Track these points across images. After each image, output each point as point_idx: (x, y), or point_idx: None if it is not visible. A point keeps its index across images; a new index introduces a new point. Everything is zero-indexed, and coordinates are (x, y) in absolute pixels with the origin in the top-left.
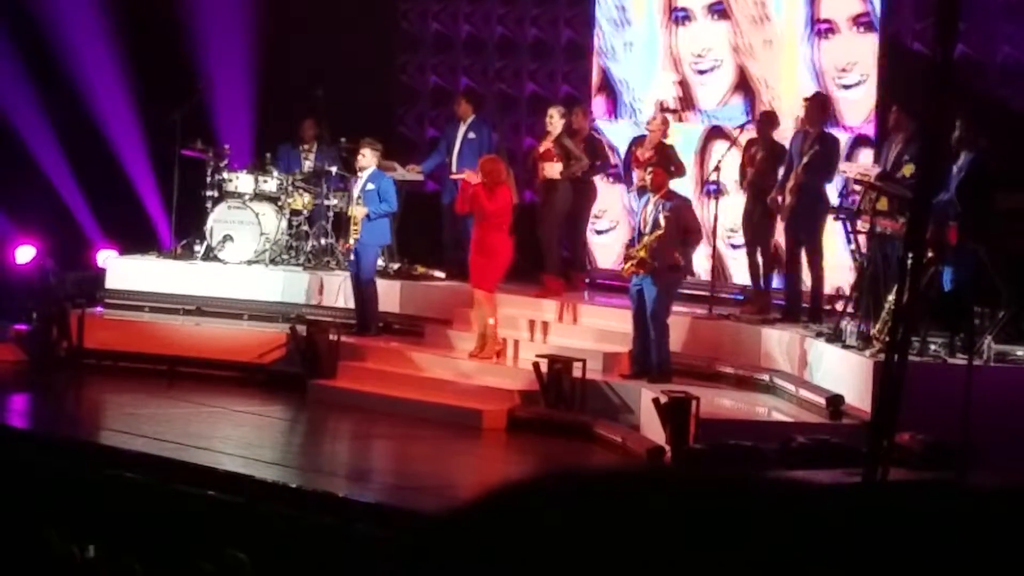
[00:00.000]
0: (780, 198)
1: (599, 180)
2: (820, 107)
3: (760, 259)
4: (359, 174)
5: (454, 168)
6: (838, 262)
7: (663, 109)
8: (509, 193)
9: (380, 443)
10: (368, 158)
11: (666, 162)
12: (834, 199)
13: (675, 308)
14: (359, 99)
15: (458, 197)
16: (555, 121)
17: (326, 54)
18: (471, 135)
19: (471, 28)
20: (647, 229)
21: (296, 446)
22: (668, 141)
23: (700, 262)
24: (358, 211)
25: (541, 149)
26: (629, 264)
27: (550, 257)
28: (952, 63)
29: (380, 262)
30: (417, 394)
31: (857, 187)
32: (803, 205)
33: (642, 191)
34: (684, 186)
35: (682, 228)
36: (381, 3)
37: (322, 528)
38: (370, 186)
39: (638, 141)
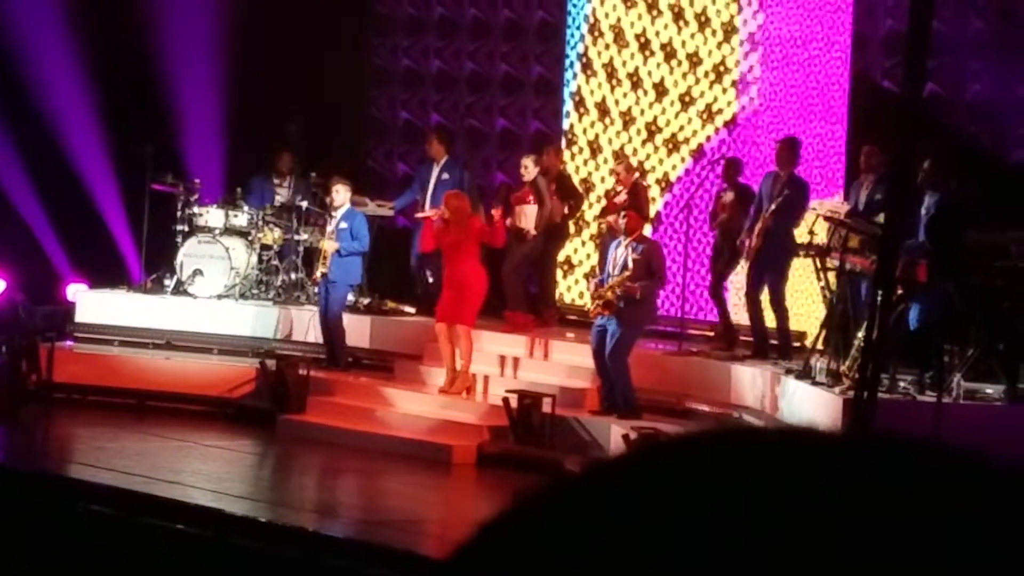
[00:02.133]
0: (747, 240)
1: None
2: (790, 150)
3: (726, 297)
4: (333, 212)
5: (427, 208)
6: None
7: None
8: (478, 224)
9: (349, 478)
10: (342, 195)
11: (639, 204)
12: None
13: (644, 344)
14: (329, 134)
15: (423, 235)
16: (530, 171)
17: (297, 88)
18: (444, 176)
19: (441, 64)
20: (616, 271)
21: (265, 480)
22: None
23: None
24: (328, 245)
25: (518, 192)
26: (596, 304)
27: (513, 294)
28: (921, 101)
29: (350, 297)
30: (386, 429)
31: (824, 224)
32: (769, 248)
33: (612, 234)
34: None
35: (650, 270)
36: (352, 38)
37: (291, 562)
38: (343, 225)
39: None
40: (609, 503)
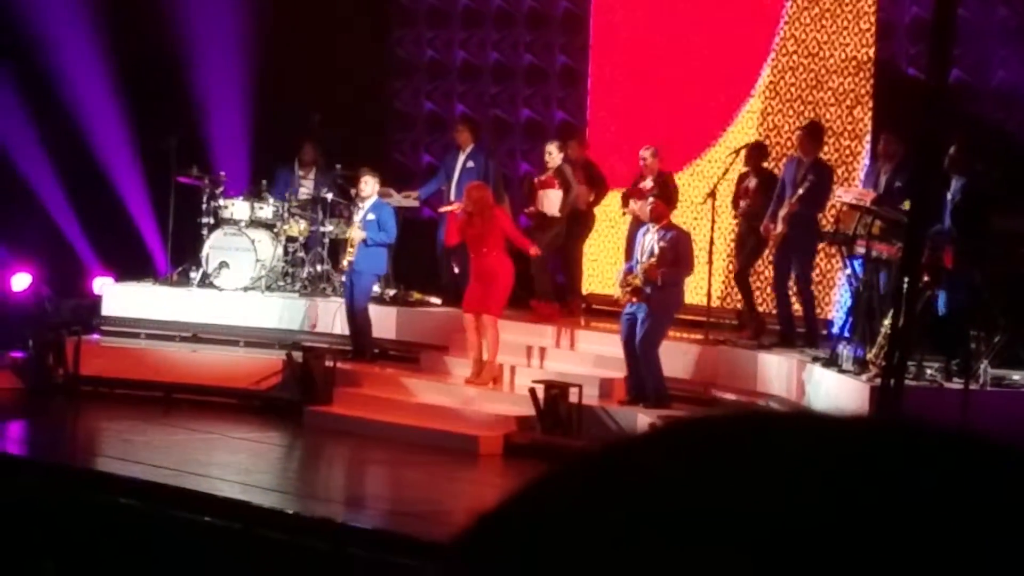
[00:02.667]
0: (772, 226)
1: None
2: (814, 136)
3: (753, 285)
4: (360, 203)
5: (452, 196)
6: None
7: None
8: (502, 215)
9: (376, 469)
10: (371, 186)
11: (666, 193)
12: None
13: (671, 333)
14: (354, 125)
15: (447, 228)
16: (554, 157)
17: (321, 80)
18: (470, 164)
19: (466, 54)
20: (644, 258)
21: (293, 472)
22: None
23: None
24: (356, 234)
25: (543, 177)
26: (625, 292)
27: (540, 284)
28: (946, 88)
29: (376, 288)
30: (413, 420)
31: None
32: (795, 234)
33: (640, 221)
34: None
35: (677, 258)
36: (376, 29)
37: (319, 553)
38: (371, 216)
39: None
40: (625, 485)
